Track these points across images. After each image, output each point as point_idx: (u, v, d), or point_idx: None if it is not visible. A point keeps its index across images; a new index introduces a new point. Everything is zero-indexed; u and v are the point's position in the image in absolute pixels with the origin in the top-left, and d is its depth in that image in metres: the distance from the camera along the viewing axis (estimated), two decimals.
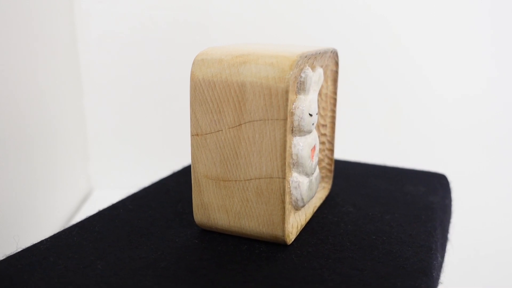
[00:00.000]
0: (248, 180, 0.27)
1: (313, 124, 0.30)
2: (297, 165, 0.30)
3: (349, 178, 0.40)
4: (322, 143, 0.36)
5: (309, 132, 0.30)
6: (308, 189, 0.31)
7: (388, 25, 0.57)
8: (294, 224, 0.30)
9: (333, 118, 0.36)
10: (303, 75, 0.29)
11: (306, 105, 0.29)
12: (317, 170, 0.33)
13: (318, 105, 0.34)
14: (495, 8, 0.57)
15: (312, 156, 0.31)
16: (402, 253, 0.27)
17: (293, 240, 0.29)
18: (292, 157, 0.30)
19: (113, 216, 0.32)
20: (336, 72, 0.35)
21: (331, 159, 0.37)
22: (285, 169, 0.26)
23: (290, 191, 0.30)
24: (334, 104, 0.36)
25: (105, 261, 0.26)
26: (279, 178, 0.26)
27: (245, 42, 0.51)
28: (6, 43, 0.40)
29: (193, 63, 0.27)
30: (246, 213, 0.28)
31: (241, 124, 0.26)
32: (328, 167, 0.37)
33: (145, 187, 0.38)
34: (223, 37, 0.51)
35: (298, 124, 0.29)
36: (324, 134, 0.36)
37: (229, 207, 0.28)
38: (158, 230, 0.30)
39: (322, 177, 0.36)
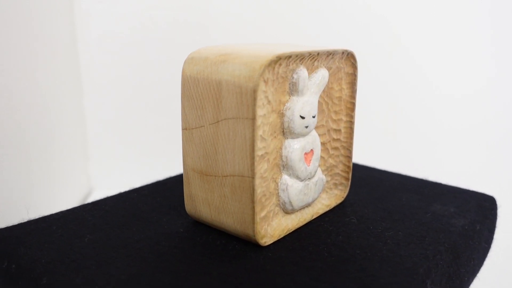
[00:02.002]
0: (225, 176, 0.28)
1: (306, 127, 0.29)
2: (287, 167, 0.29)
3: (376, 188, 0.38)
4: (335, 148, 0.34)
5: (303, 135, 0.30)
6: (299, 194, 0.30)
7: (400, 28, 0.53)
8: (278, 226, 0.30)
9: (351, 123, 0.34)
10: (295, 76, 0.28)
11: (298, 107, 0.29)
12: (320, 176, 0.32)
13: (328, 108, 0.33)
14: (496, 10, 0.53)
15: (309, 161, 0.31)
16: (377, 272, 0.25)
17: (271, 242, 0.28)
18: (282, 159, 0.29)
19: (127, 199, 0.35)
20: (353, 75, 0.33)
21: (347, 166, 0.35)
22: (254, 169, 0.26)
23: (278, 192, 0.30)
24: (352, 109, 0.34)
25: (94, 235, 0.29)
26: (249, 177, 0.26)
27: (245, 42, 0.51)
28: (6, 43, 0.39)
29: (185, 61, 0.29)
30: (224, 208, 0.28)
31: (218, 121, 0.27)
32: (343, 174, 0.35)
33: (172, 176, 0.41)
34: (223, 37, 0.51)
35: (288, 126, 0.29)
36: (338, 139, 0.34)
37: (210, 201, 0.29)
38: (156, 216, 0.32)
39: (335, 184, 0.35)
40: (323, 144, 0.33)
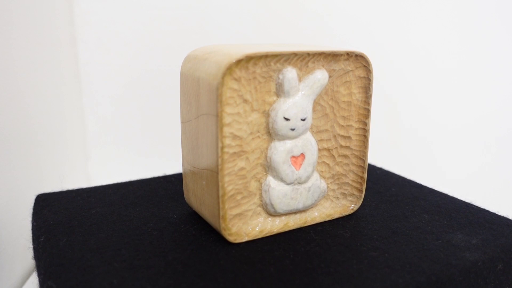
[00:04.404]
0: (202, 169, 0.29)
1: (292, 129, 0.29)
2: (271, 169, 0.29)
3: (401, 206, 0.34)
4: (343, 156, 0.32)
5: (289, 137, 0.29)
6: (284, 197, 0.30)
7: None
8: (256, 227, 0.29)
9: (364, 131, 0.32)
10: (280, 76, 0.28)
11: (283, 108, 0.28)
12: (316, 182, 0.31)
13: (334, 113, 0.31)
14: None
15: (299, 165, 0.30)
16: None
17: (243, 241, 0.29)
18: (266, 160, 0.29)
19: (152, 183, 0.39)
20: (367, 79, 0.31)
21: (360, 176, 0.33)
22: (218, 165, 0.27)
23: (261, 193, 0.30)
24: (366, 116, 0.31)
25: (101, 209, 0.33)
26: (216, 172, 0.27)
27: (246, 42, 0.49)
28: (6, 42, 0.39)
29: (184, 59, 0.31)
30: (203, 201, 0.30)
31: (198, 116, 0.28)
32: (354, 184, 0.33)
33: None
34: (225, 37, 0.48)
35: (272, 127, 0.28)
36: (347, 147, 0.32)
37: (196, 192, 0.30)
38: (163, 201, 0.35)
39: (344, 194, 0.33)
40: (327, 150, 0.31)
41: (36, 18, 0.45)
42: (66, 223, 0.31)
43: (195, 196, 0.31)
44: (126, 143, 0.60)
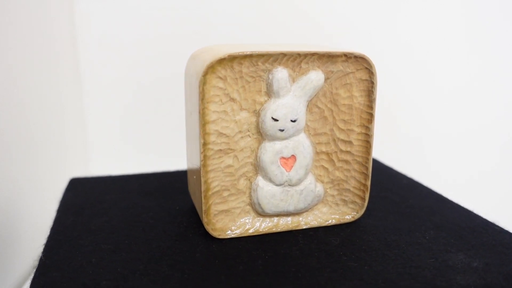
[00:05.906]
0: (193, 164, 0.30)
1: (282, 130, 0.28)
2: (260, 168, 0.29)
3: (411, 218, 0.32)
4: (344, 161, 0.31)
5: (279, 138, 0.29)
6: (272, 198, 0.30)
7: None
8: (243, 225, 0.30)
9: (367, 136, 0.30)
10: (270, 76, 0.28)
11: (272, 108, 0.28)
12: (309, 185, 0.30)
13: (333, 116, 0.30)
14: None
15: (289, 166, 0.29)
16: None
17: (228, 237, 0.29)
18: (257, 159, 0.29)
19: (173, 176, 0.41)
20: (369, 82, 0.29)
21: (362, 183, 0.31)
22: (199, 160, 0.27)
23: (250, 192, 0.30)
24: (369, 120, 0.30)
25: (116, 196, 0.36)
26: (200, 168, 0.28)
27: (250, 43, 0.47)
28: (6, 43, 0.39)
29: (188, 58, 0.32)
30: (196, 194, 0.31)
31: (191, 113, 0.29)
32: (355, 191, 0.31)
33: None
34: (232, 38, 0.45)
35: (261, 127, 0.29)
36: (348, 152, 0.31)
37: (192, 185, 0.32)
38: (173, 193, 0.37)
39: (344, 201, 0.32)
40: (326, 153, 0.31)
41: (36, 18, 0.45)
42: (80, 205, 0.34)
43: (192, 190, 0.32)
44: (127, 143, 0.61)
